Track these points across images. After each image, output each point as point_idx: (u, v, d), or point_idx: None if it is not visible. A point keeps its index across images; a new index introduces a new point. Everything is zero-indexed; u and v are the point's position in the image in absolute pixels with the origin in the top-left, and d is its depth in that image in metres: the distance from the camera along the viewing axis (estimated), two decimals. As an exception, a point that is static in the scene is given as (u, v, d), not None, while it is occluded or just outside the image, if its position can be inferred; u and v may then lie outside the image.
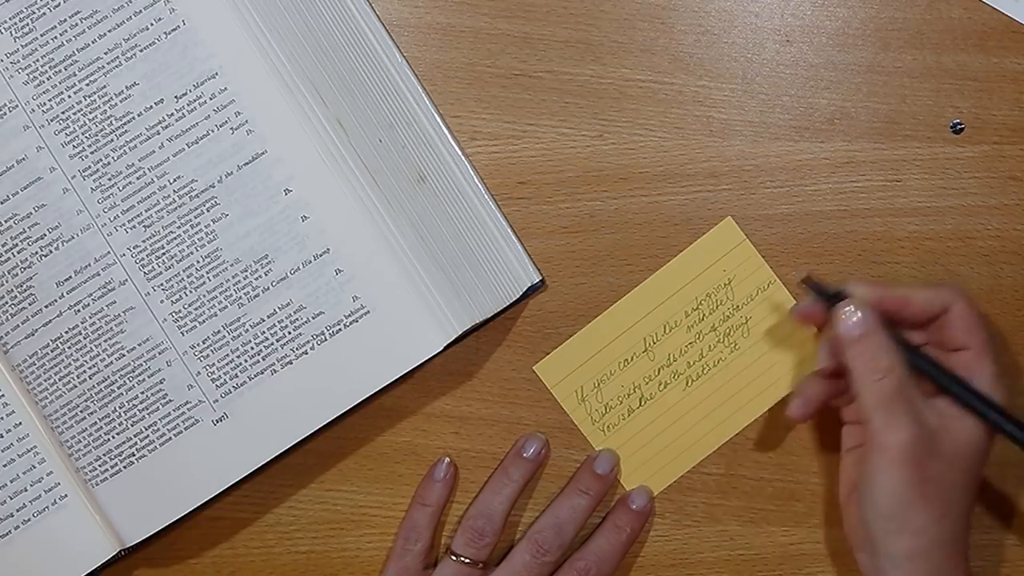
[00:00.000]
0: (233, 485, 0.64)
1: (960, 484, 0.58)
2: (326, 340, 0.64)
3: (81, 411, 0.64)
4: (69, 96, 0.64)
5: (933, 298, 0.60)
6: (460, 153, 0.65)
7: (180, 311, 0.64)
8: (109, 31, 0.64)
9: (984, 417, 0.58)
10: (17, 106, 0.64)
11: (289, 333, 0.64)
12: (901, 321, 0.61)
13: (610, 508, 0.67)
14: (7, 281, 0.64)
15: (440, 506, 0.66)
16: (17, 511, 0.64)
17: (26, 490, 0.64)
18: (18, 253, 0.64)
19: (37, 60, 0.64)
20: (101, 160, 0.64)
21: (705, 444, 0.67)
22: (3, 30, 0.64)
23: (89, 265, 0.64)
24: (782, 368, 0.67)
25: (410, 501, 0.66)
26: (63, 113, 0.64)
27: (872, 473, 0.58)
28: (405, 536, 0.66)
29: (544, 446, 0.66)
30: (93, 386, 0.64)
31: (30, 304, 0.64)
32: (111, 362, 0.64)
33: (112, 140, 0.64)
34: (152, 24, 0.64)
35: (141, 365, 0.64)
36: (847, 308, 0.59)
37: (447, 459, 0.66)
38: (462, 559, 0.65)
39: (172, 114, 0.64)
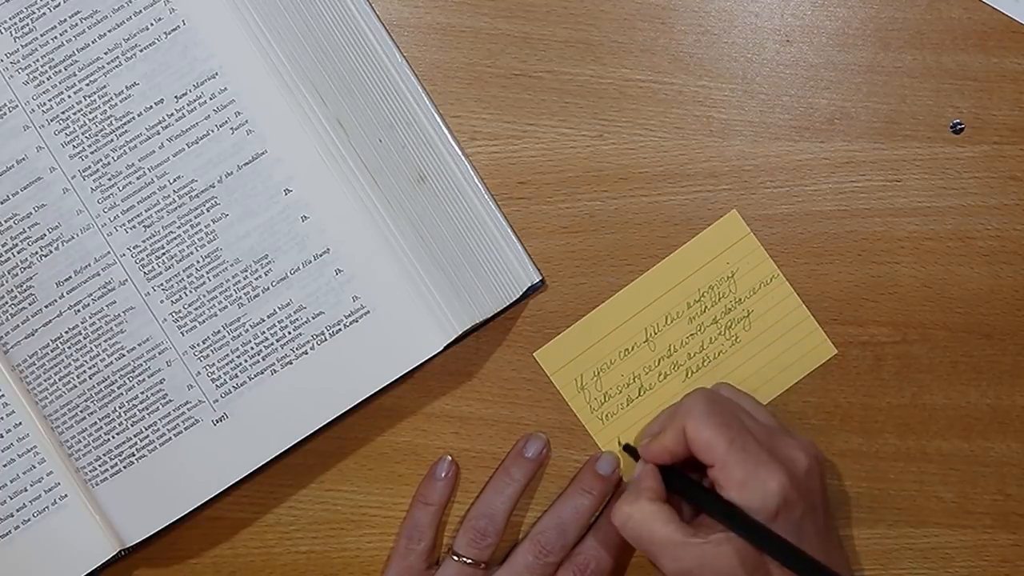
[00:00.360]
0: (233, 485, 0.64)
1: None
2: (326, 340, 0.64)
3: (81, 411, 0.64)
4: (69, 96, 0.64)
5: (676, 435, 0.61)
6: (460, 153, 0.65)
7: (180, 311, 0.64)
8: (109, 31, 0.64)
9: (728, 527, 0.58)
10: (17, 106, 0.64)
11: (289, 333, 0.64)
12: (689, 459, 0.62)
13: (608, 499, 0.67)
14: (7, 281, 0.64)
15: (442, 505, 0.66)
16: (17, 511, 0.64)
17: (26, 490, 0.64)
18: (18, 253, 0.64)
19: (37, 60, 0.64)
20: (101, 160, 0.64)
21: (705, 442, 0.67)
22: (3, 30, 0.64)
23: (89, 265, 0.64)
24: (782, 363, 0.67)
25: (411, 500, 0.66)
26: (63, 113, 0.64)
27: None
28: (408, 535, 0.66)
29: (545, 446, 0.66)
30: (93, 386, 0.64)
31: (30, 304, 0.64)
32: (111, 362, 0.64)
33: (112, 140, 0.64)
34: (152, 24, 0.64)
35: (141, 365, 0.64)
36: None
37: (448, 458, 0.66)
38: (464, 560, 0.65)
39: (172, 114, 0.64)
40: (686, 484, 0.62)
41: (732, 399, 0.64)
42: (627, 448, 0.66)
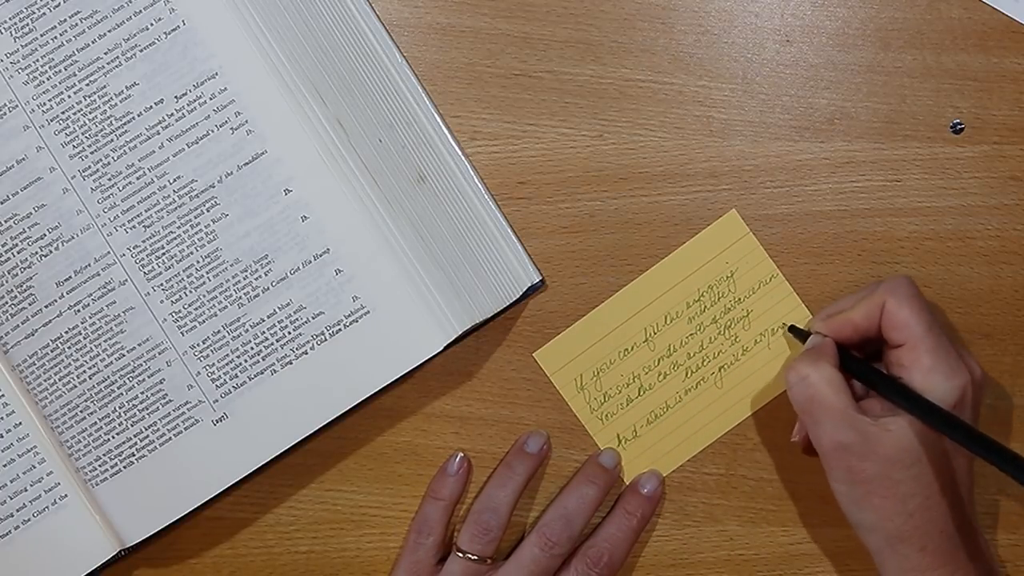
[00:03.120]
0: (233, 485, 0.64)
1: (912, 480, 0.58)
2: (326, 340, 0.64)
3: (81, 411, 0.64)
4: (69, 96, 0.64)
5: (871, 309, 0.61)
6: (460, 153, 0.65)
7: (180, 311, 0.64)
8: (109, 31, 0.64)
9: (909, 411, 0.58)
10: (17, 106, 0.64)
11: (289, 333, 0.64)
12: (870, 339, 0.61)
13: (619, 495, 0.66)
14: (7, 281, 0.64)
15: (453, 500, 0.66)
16: (17, 511, 0.64)
17: (26, 490, 0.64)
18: (18, 253, 0.64)
19: (37, 60, 0.64)
20: (101, 160, 0.64)
21: (703, 436, 0.67)
22: (3, 30, 0.64)
23: (89, 265, 0.64)
24: (781, 362, 0.67)
25: (423, 496, 0.66)
26: (63, 113, 0.64)
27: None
28: (417, 530, 0.66)
29: (546, 442, 0.66)
30: (93, 386, 0.64)
31: (30, 304, 0.64)
32: (111, 362, 0.64)
33: (112, 140, 0.64)
34: (152, 24, 0.64)
35: (141, 365, 0.64)
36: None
37: (460, 454, 0.66)
38: (469, 556, 0.65)
39: (172, 114, 0.64)
40: (862, 365, 0.61)
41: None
42: (793, 330, 0.65)
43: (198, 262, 0.64)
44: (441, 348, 0.63)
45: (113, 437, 0.64)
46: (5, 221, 0.64)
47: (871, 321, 0.61)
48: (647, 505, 0.66)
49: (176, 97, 0.64)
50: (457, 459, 0.66)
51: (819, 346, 0.62)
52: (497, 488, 0.65)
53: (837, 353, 0.61)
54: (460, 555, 0.65)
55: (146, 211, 0.64)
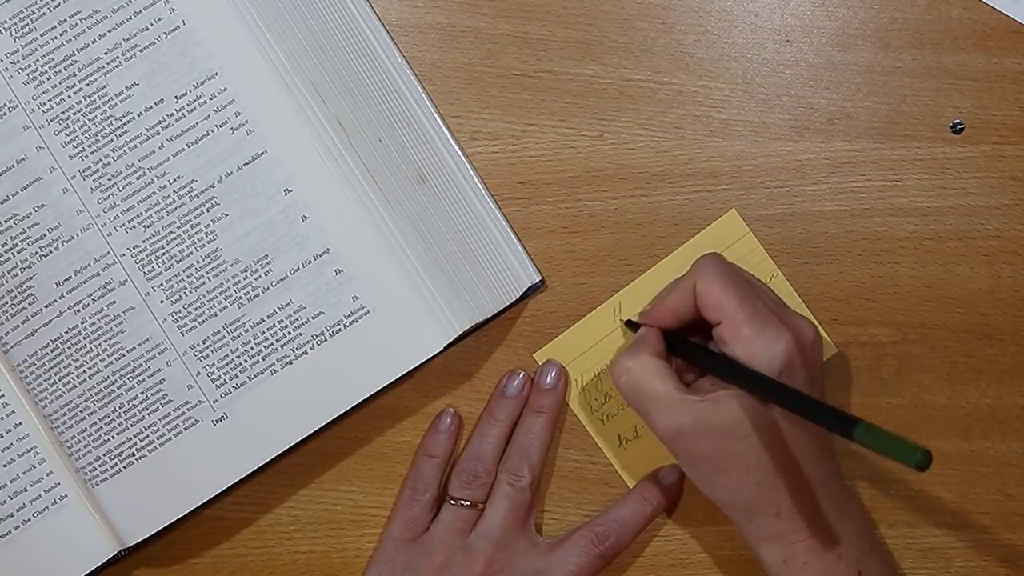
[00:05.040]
0: (233, 485, 0.64)
1: (752, 451, 0.58)
2: (326, 340, 0.64)
3: (81, 411, 0.64)
4: (69, 96, 0.64)
5: (684, 294, 0.61)
6: (460, 153, 0.65)
7: (180, 311, 0.64)
8: (109, 31, 0.64)
9: (731, 382, 0.58)
10: (17, 106, 0.64)
11: (289, 333, 0.64)
12: (695, 323, 0.62)
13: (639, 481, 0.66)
14: (7, 281, 0.64)
15: (446, 457, 0.66)
16: (17, 511, 0.64)
17: (26, 490, 0.64)
18: (18, 253, 0.64)
19: (37, 60, 0.64)
20: (101, 160, 0.64)
21: (705, 442, 0.67)
22: (3, 30, 0.64)
23: (89, 265, 0.64)
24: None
25: (415, 453, 0.66)
26: (63, 113, 0.64)
27: None
28: (412, 487, 0.66)
29: (527, 383, 0.66)
30: (93, 386, 0.64)
31: (30, 304, 0.64)
32: (111, 362, 0.64)
33: (112, 140, 0.64)
34: (152, 24, 0.64)
35: (141, 365, 0.64)
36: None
37: (451, 410, 0.66)
38: (461, 502, 0.65)
39: (172, 114, 0.64)
40: (688, 345, 0.62)
41: (743, 270, 0.64)
42: (629, 324, 0.66)
43: (198, 262, 0.64)
44: (441, 348, 0.63)
45: (113, 437, 0.64)
46: (5, 221, 0.64)
47: (687, 305, 0.61)
48: (664, 496, 0.66)
49: (176, 97, 0.64)
50: (448, 416, 0.66)
51: (640, 338, 0.62)
52: (481, 438, 0.66)
53: (660, 341, 0.62)
54: (452, 503, 0.65)
55: (146, 211, 0.64)
